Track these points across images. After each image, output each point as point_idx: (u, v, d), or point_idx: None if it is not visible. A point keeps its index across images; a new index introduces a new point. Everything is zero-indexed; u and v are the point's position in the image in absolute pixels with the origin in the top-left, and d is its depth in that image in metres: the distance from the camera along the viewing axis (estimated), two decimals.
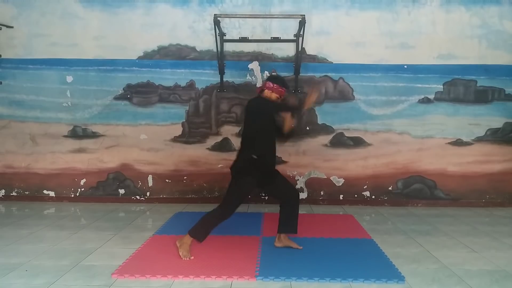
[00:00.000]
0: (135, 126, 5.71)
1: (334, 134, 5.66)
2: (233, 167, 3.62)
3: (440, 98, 5.60)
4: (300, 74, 5.50)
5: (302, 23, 5.05)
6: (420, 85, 5.59)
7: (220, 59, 5.43)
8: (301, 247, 3.76)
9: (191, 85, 5.65)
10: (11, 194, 5.82)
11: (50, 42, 5.61)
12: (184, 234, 4.11)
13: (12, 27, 5.58)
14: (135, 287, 2.98)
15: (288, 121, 3.59)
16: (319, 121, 5.64)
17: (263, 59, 5.58)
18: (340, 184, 5.72)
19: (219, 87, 5.60)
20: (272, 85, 3.60)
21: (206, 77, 5.63)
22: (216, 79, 5.59)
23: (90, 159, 5.76)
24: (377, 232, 4.36)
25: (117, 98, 5.68)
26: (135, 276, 3.12)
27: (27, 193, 5.82)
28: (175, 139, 5.71)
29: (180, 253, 3.49)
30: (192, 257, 3.49)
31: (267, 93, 3.61)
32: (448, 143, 5.65)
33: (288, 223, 3.74)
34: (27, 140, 5.78)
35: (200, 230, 3.52)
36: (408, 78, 5.58)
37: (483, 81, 5.57)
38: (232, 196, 3.54)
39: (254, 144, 3.55)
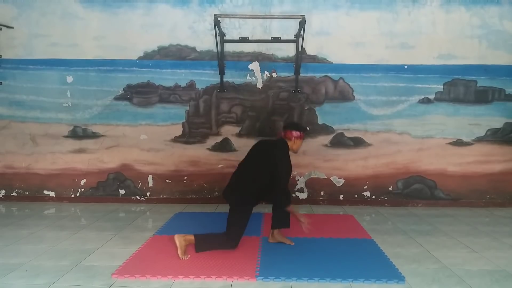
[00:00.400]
0: (135, 126, 5.71)
1: (334, 134, 5.66)
2: (232, 195, 3.62)
3: (440, 98, 5.60)
4: (300, 74, 5.50)
5: (302, 24, 5.06)
6: (420, 85, 5.59)
7: (220, 59, 5.43)
8: (293, 243, 3.85)
9: (191, 86, 5.65)
10: (11, 194, 5.82)
11: (50, 42, 5.61)
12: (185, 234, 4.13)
13: (12, 27, 5.58)
14: (135, 287, 2.98)
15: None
16: (319, 121, 5.64)
17: (263, 59, 5.59)
18: (340, 184, 5.72)
19: (219, 88, 5.61)
20: (298, 134, 3.77)
21: (206, 77, 5.63)
22: (216, 79, 5.60)
23: (90, 160, 5.76)
24: (377, 232, 4.36)
25: (117, 98, 5.68)
26: (135, 276, 3.12)
27: (27, 193, 5.82)
28: (175, 140, 5.71)
29: (179, 252, 3.49)
30: (189, 256, 3.49)
31: (294, 142, 3.77)
32: (448, 143, 5.65)
33: (280, 219, 3.83)
34: (27, 140, 5.78)
35: (204, 245, 3.55)
36: (408, 78, 5.58)
37: (483, 81, 5.57)
38: (236, 226, 3.56)
39: (259, 184, 3.57)
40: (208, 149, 5.70)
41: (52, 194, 5.81)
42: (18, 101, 5.71)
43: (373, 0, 5.49)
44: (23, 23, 5.60)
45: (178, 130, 5.70)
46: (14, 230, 4.38)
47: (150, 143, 5.72)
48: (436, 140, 5.65)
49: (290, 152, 3.78)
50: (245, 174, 3.66)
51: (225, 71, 5.54)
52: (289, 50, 5.56)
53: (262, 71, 5.59)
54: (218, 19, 5.16)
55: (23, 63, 5.65)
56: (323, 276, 3.13)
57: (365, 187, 5.72)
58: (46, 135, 5.76)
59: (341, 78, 5.60)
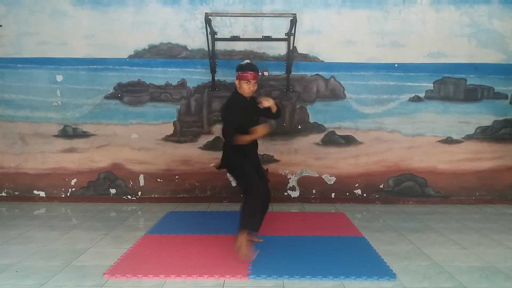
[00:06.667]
0: (126, 125, 5.67)
1: (325, 132, 5.68)
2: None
3: (430, 96, 5.65)
4: (291, 73, 5.51)
5: (293, 22, 5.06)
6: (410, 84, 5.62)
7: (211, 58, 5.42)
8: (261, 240, 3.87)
9: (182, 84, 5.63)
10: (1, 194, 5.76)
11: (39, 40, 5.56)
12: (176, 234, 4.14)
13: (0, 25, 5.52)
14: (127, 287, 2.97)
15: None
16: (311, 120, 5.66)
17: (255, 58, 5.57)
18: (332, 182, 5.74)
19: (210, 86, 5.59)
20: (236, 74, 3.64)
21: (198, 76, 5.61)
22: (207, 78, 5.58)
23: (80, 159, 5.72)
24: (369, 229, 4.39)
25: (108, 97, 5.64)
26: (127, 276, 3.10)
27: (17, 193, 5.76)
28: (167, 138, 5.69)
29: (242, 254, 3.33)
30: (254, 257, 3.36)
31: (236, 84, 3.67)
32: (439, 141, 5.70)
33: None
34: (17, 140, 5.72)
35: (250, 220, 3.47)
36: (399, 76, 5.61)
37: (472, 80, 5.62)
38: (246, 178, 3.55)
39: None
40: (200, 148, 5.69)
41: (42, 194, 5.75)
42: (7, 100, 5.65)
43: None
44: (11, 21, 5.53)
45: (169, 129, 5.68)
46: (4, 230, 4.33)
47: (141, 142, 5.69)
48: (427, 138, 5.69)
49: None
50: None
51: (216, 70, 5.52)
52: (280, 49, 5.57)
53: None
54: (209, 17, 5.14)
55: (12, 62, 5.59)
56: (315, 274, 3.13)
57: (356, 185, 5.75)
58: (36, 134, 5.71)
59: (332, 76, 5.61)
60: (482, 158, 5.71)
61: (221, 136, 5.49)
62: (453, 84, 5.64)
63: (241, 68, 3.63)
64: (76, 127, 5.70)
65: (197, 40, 5.55)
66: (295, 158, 5.70)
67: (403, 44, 5.57)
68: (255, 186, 3.51)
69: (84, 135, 5.70)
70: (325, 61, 5.60)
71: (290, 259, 3.45)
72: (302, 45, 5.56)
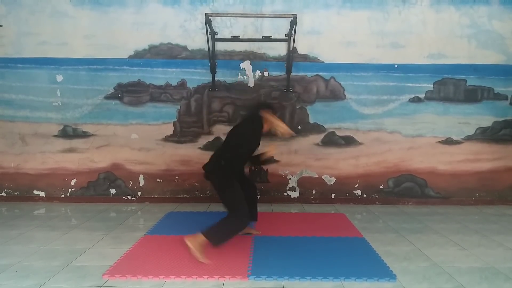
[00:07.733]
0: (126, 125, 5.67)
1: (325, 133, 5.68)
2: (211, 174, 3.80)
3: (430, 97, 5.65)
4: (291, 73, 5.50)
5: (293, 23, 5.07)
6: (410, 84, 5.62)
7: (211, 58, 5.42)
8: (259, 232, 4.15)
9: (182, 84, 5.63)
10: (1, 194, 5.76)
11: (39, 41, 5.55)
12: (176, 234, 4.13)
13: (1, 25, 5.52)
14: (127, 287, 2.98)
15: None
16: (311, 120, 5.66)
17: (255, 58, 5.58)
18: (332, 183, 5.74)
19: (210, 86, 5.59)
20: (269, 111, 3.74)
21: (198, 76, 5.61)
22: (207, 78, 5.58)
23: (80, 159, 5.72)
24: (369, 230, 4.38)
25: (108, 97, 5.64)
26: (127, 277, 3.10)
27: (16, 193, 5.76)
28: (167, 139, 5.69)
29: (196, 255, 3.36)
30: (210, 261, 3.34)
31: (268, 118, 3.74)
32: (438, 141, 5.70)
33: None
34: (17, 140, 5.72)
35: (219, 237, 3.45)
36: (399, 77, 5.61)
37: (472, 80, 5.63)
38: (235, 201, 3.58)
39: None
40: (200, 148, 5.69)
41: (42, 194, 5.75)
42: (7, 100, 5.65)
43: None
44: (12, 21, 5.53)
45: (169, 129, 5.68)
46: (4, 230, 4.33)
47: (141, 143, 5.69)
48: (427, 139, 5.69)
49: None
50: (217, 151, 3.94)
51: (216, 70, 5.53)
52: (280, 49, 5.57)
53: (254, 70, 5.59)
54: (210, 17, 5.15)
55: (12, 62, 5.59)
56: (314, 274, 3.14)
57: (356, 186, 5.75)
58: (36, 134, 5.70)
59: (332, 77, 5.61)
60: (482, 159, 5.72)
61: (221, 135, 5.55)
62: (453, 85, 5.64)
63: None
64: (76, 127, 5.70)
65: (197, 41, 5.55)
66: (295, 159, 5.70)
67: (403, 45, 5.57)
68: (243, 213, 3.50)
69: (84, 135, 5.70)
70: (325, 62, 5.60)
71: (290, 260, 3.45)
72: (302, 46, 5.56)
